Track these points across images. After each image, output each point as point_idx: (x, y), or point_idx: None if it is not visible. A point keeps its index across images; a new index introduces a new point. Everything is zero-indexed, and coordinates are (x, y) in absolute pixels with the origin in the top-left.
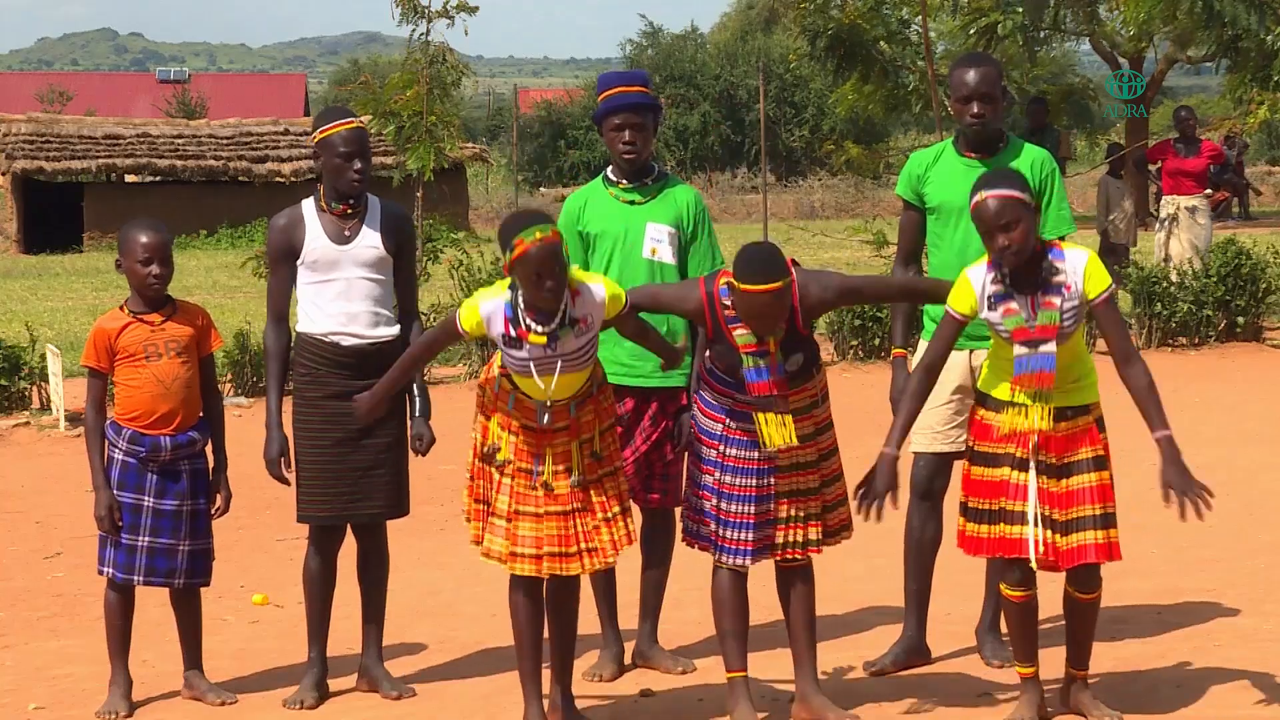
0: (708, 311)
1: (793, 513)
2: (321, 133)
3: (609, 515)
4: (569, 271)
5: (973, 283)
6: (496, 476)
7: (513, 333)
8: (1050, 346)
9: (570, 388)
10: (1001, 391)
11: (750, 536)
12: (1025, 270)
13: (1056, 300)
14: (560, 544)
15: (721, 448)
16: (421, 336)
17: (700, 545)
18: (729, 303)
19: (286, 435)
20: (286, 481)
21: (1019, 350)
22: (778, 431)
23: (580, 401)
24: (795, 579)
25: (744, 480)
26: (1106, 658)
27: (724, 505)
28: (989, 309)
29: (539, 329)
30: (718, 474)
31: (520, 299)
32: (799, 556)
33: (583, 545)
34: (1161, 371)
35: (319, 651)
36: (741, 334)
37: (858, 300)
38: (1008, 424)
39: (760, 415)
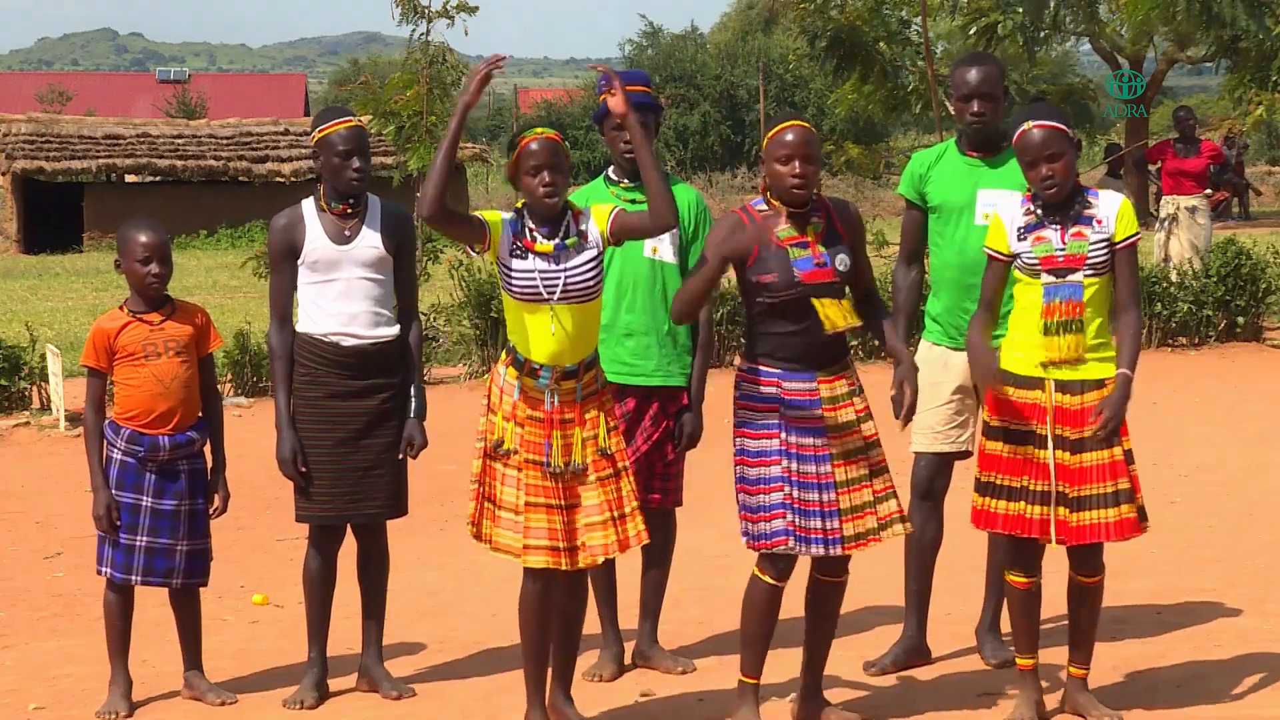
0: (748, 221)
1: (853, 502)
2: (320, 132)
3: (619, 514)
4: (567, 177)
5: (1004, 218)
6: (501, 469)
7: (519, 244)
8: (1078, 277)
9: (578, 337)
10: (1020, 366)
11: (837, 524)
12: (1059, 204)
13: (1087, 231)
14: (568, 538)
15: (783, 435)
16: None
17: (771, 543)
18: (763, 206)
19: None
20: (301, 480)
21: (1047, 279)
22: (836, 314)
23: (586, 394)
24: (831, 593)
25: (809, 467)
26: (1106, 658)
27: (801, 494)
28: (1018, 240)
29: (544, 240)
30: (786, 462)
31: (527, 218)
32: (864, 547)
33: (587, 540)
34: (1161, 371)
35: (319, 651)
36: (783, 228)
37: (857, 244)
38: (1035, 402)
39: (816, 301)
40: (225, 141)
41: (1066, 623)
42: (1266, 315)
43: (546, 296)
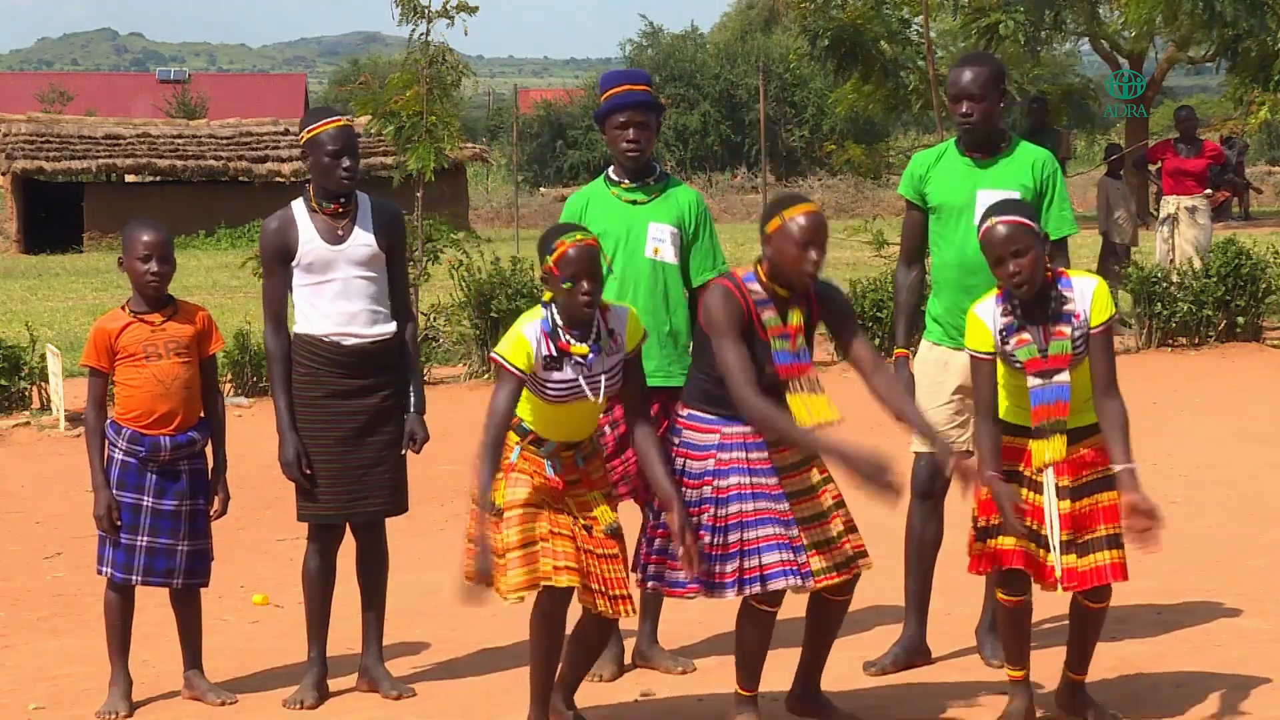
0: (740, 299)
1: (825, 535)
2: (309, 132)
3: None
4: (603, 284)
5: (983, 318)
6: (506, 515)
7: (553, 350)
8: (1064, 376)
9: (592, 420)
10: (1016, 417)
11: (805, 559)
12: (1035, 301)
13: (1067, 329)
14: (604, 584)
15: (715, 481)
16: (491, 411)
17: (685, 590)
18: (755, 286)
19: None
20: (306, 483)
21: (1033, 381)
22: (812, 408)
23: (588, 456)
24: (833, 610)
25: (764, 504)
26: (1106, 658)
27: (757, 533)
28: (1001, 342)
29: (578, 342)
30: (713, 509)
31: (556, 316)
32: (837, 580)
33: (619, 591)
34: (1161, 371)
35: (319, 651)
36: (769, 316)
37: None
38: (1024, 447)
39: (790, 396)
40: (225, 141)
41: (1065, 623)
42: (1266, 315)
43: (592, 399)
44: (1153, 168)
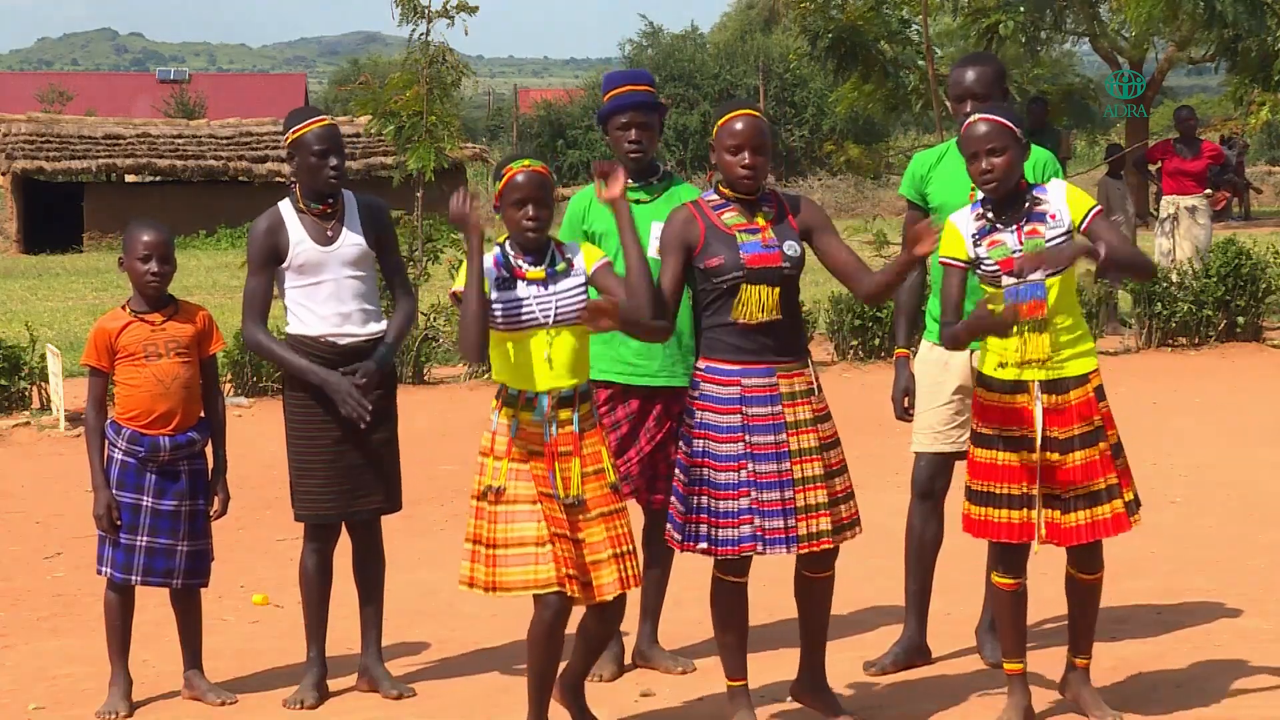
0: (696, 213)
1: (807, 501)
2: (294, 133)
3: (622, 550)
4: (552, 211)
5: (958, 225)
6: (497, 510)
7: (506, 273)
8: (1038, 275)
9: (573, 360)
10: (1002, 373)
11: (794, 523)
12: (1009, 204)
13: (1042, 228)
14: (580, 571)
15: (746, 437)
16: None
17: (739, 549)
18: (713, 197)
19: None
20: (369, 405)
21: (1007, 282)
22: (755, 303)
23: (584, 427)
24: (817, 587)
25: (769, 466)
26: (1106, 658)
27: (763, 496)
28: (974, 245)
29: (533, 267)
30: (751, 465)
31: (509, 247)
32: (817, 549)
33: (595, 577)
34: (1161, 371)
35: (318, 651)
36: (730, 215)
37: (820, 227)
38: (1015, 406)
39: (745, 286)
40: (225, 141)
41: (1065, 624)
42: (1266, 315)
43: (543, 321)
44: (1153, 168)
